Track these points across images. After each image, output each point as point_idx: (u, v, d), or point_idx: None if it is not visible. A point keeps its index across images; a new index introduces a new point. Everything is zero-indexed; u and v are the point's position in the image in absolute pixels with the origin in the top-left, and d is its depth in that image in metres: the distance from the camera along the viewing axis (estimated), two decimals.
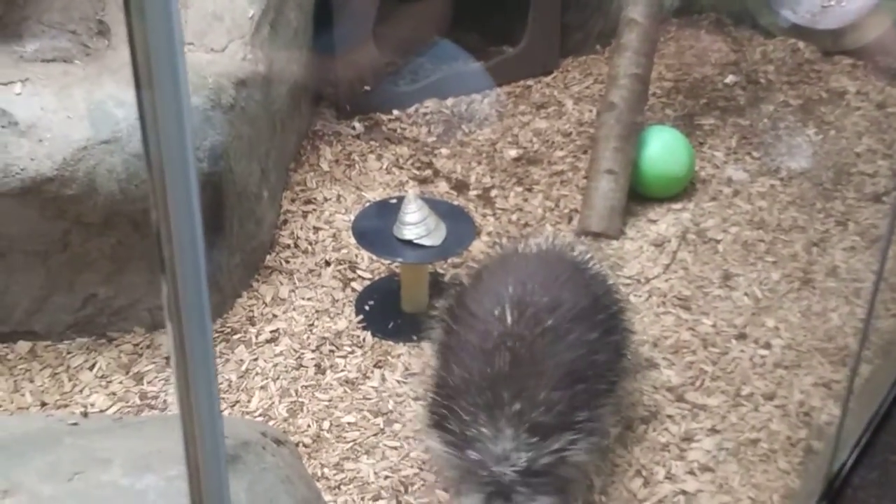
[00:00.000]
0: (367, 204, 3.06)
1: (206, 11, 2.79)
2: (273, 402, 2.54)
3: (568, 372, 2.07)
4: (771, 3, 4.09)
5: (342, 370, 2.64)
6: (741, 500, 2.32)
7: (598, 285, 2.35)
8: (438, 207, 2.79)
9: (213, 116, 2.60)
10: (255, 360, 2.65)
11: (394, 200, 2.85)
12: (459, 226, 2.78)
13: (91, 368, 2.58)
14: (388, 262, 2.92)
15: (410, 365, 2.66)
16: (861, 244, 3.10)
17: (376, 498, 2.30)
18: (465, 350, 2.13)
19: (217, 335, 2.70)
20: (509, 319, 2.11)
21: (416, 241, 2.69)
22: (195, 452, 0.80)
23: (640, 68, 3.21)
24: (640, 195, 3.26)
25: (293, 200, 3.18)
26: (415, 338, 2.72)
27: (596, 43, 4.06)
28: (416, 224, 2.71)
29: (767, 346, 2.73)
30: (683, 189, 3.30)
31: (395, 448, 2.43)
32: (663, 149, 3.27)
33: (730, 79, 3.90)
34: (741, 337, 2.76)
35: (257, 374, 2.61)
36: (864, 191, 3.34)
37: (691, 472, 2.38)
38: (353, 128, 3.53)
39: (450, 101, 3.70)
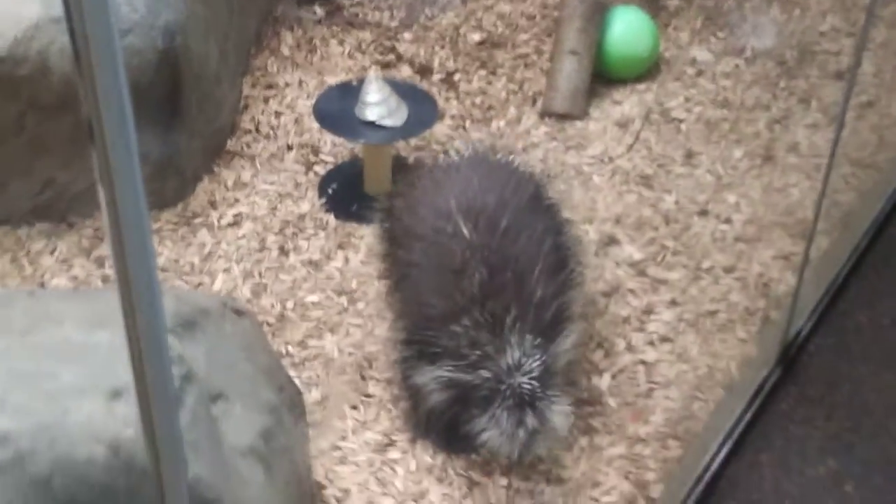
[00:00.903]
0: (329, 87, 3.03)
1: None
2: (236, 285, 2.55)
3: (541, 267, 2.04)
4: None
5: (305, 252, 2.65)
6: (699, 368, 2.37)
7: (528, 180, 2.31)
8: (400, 89, 2.77)
9: None
10: (218, 243, 2.65)
11: (355, 83, 2.83)
12: (422, 107, 2.77)
13: (52, 253, 2.57)
14: (350, 143, 2.90)
15: (374, 246, 2.67)
16: (823, 121, 3.11)
17: (340, 373, 2.33)
18: (432, 275, 2.07)
19: (178, 219, 2.69)
20: (465, 231, 2.04)
21: (377, 122, 2.67)
22: (134, 319, 0.80)
23: None
24: (604, 76, 3.24)
25: (254, 85, 3.14)
26: (379, 216, 2.72)
27: None
28: (378, 104, 2.69)
29: (728, 221, 2.76)
30: (648, 70, 3.28)
31: (359, 326, 2.45)
32: (627, 29, 3.24)
33: None
34: (703, 213, 2.78)
35: (220, 256, 2.61)
36: (827, 69, 3.33)
37: (651, 343, 2.42)
38: (314, 13, 3.47)
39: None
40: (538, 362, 1.92)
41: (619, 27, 3.22)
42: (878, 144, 3.08)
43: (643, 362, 2.38)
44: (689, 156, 2.98)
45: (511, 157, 2.39)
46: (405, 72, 3.28)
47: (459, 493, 2.10)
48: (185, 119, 2.67)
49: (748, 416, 2.31)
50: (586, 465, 2.16)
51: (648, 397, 2.31)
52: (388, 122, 2.68)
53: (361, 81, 2.75)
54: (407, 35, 3.44)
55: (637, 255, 2.64)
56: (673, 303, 2.52)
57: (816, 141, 3.03)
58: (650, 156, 2.98)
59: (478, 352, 1.94)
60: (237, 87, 3.06)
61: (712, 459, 2.20)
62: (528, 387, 1.90)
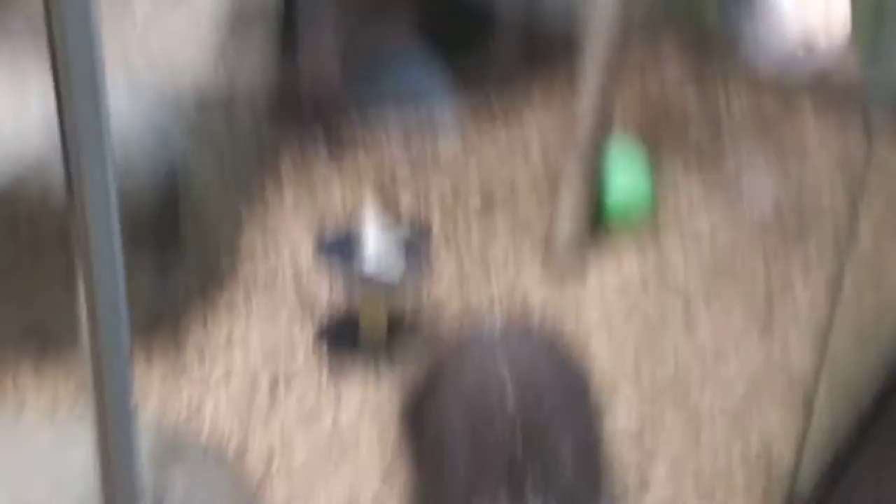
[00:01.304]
0: (329, 235, 3.01)
1: (169, 31, 2.76)
2: (223, 438, 2.47)
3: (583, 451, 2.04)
4: (739, 46, 4.11)
5: (297, 406, 2.59)
6: None
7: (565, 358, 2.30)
8: (399, 241, 2.76)
9: (173, 135, 2.55)
10: (205, 396, 2.59)
11: (355, 234, 2.82)
12: (419, 259, 2.76)
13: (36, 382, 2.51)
14: (348, 293, 2.86)
15: (366, 395, 2.62)
16: (822, 287, 3.09)
17: None
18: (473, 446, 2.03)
19: (166, 371, 2.63)
20: (510, 405, 2.01)
21: (375, 275, 2.66)
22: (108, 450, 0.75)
23: (603, 106, 3.19)
24: (604, 231, 3.24)
25: (254, 234, 3.13)
26: (373, 372, 2.68)
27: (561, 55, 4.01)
28: (376, 256, 2.68)
29: (727, 390, 2.71)
30: (646, 224, 3.29)
31: (351, 482, 2.37)
32: (627, 186, 3.27)
33: (693, 133, 3.91)
34: (702, 382, 2.74)
35: (207, 410, 2.55)
36: (827, 234, 3.34)
37: None
38: (318, 153, 3.49)
39: (415, 124, 3.67)
40: None
41: (618, 184, 3.25)
42: (878, 312, 3.06)
43: None
44: (688, 323, 2.95)
45: (544, 330, 2.37)
46: (405, 230, 3.27)
47: None
48: (183, 254, 2.65)
49: None
50: None
51: None
52: (385, 275, 2.66)
53: (362, 231, 2.74)
54: (408, 190, 3.46)
55: (633, 425, 2.58)
56: (671, 475, 2.44)
57: (815, 308, 3.01)
58: (648, 322, 2.96)
59: None
60: (238, 225, 3.05)
61: None
62: None
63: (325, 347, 2.76)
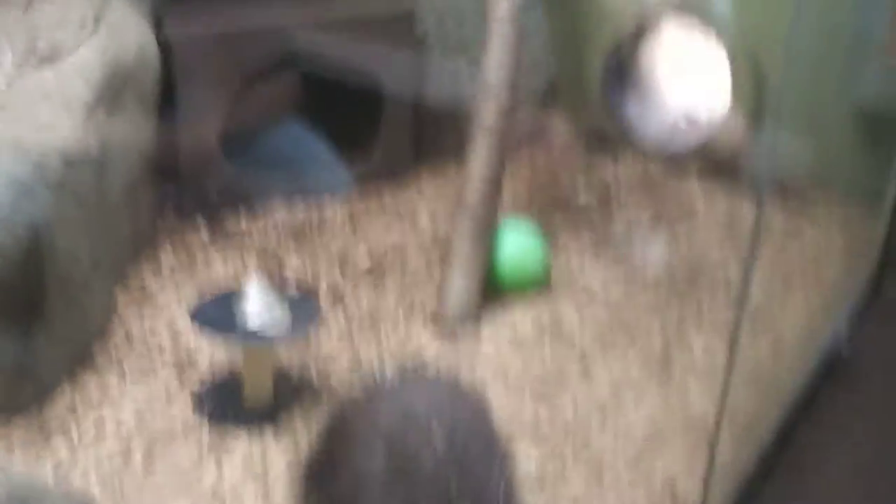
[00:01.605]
0: (208, 295, 2.87)
1: (35, 89, 2.66)
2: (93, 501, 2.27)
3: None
4: (623, 124, 4.16)
5: (174, 464, 2.41)
6: None
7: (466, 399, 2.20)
8: (284, 298, 2.63)
9: (35, 191, 2.42)
10: (75, 455, 2.39)
11: (237, 292, 2.68)
12: (304, 311, 2.63)
13: None
14: (229, 347, 2.71)
15: (250, 458, 2.45)
16: (717, 335, 3.06)
17: None
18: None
19: (32, 429, 2.44)
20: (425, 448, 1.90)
21: (259, 332, 2.52)
22: None
23: (492, 169, 3.16)
24: (496, 291, 3.17)
25: (128, 296, 2.97)
26: (256, 433, 2.52)
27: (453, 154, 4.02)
28: (259, 312, 2.55)
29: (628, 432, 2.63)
30: (539, 286, 3.24)
31: None
32: (518, 247, 3.22)
33: (582, 199, 3.92)
34: (602, 424, 2.65)
35: (77, 469, 2.35)
36: (717, 285, 3.33)
37: None
38: (198, 230, 3.37)
39: (299, 190, 3.58)
40: None
41: (510, 244, 3.20)
42: (774, 350, 3.04)
43: None
44: (585, 370, 2.88)
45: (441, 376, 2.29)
46: (289, 289, 3.16)
47: None
48: (45, 322, 2.47)
49: None
50: None
51: None
52: (268, 329, 2.53)
53: (242, 292, 2.61)
54: (294, 258, 3.35)
55: (534, 471, 2.47)
56: None
57: (710, 352, 2.97)
58: (544, 370, 2.87)
59: None
60: (109, 295, 2.89)
61: None
62: None
63: (205, 410, 2.59)
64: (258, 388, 2.63)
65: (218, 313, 2.58)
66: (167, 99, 3.29)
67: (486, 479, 1.93)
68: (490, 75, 3.08)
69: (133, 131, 3.07)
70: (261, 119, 3.74)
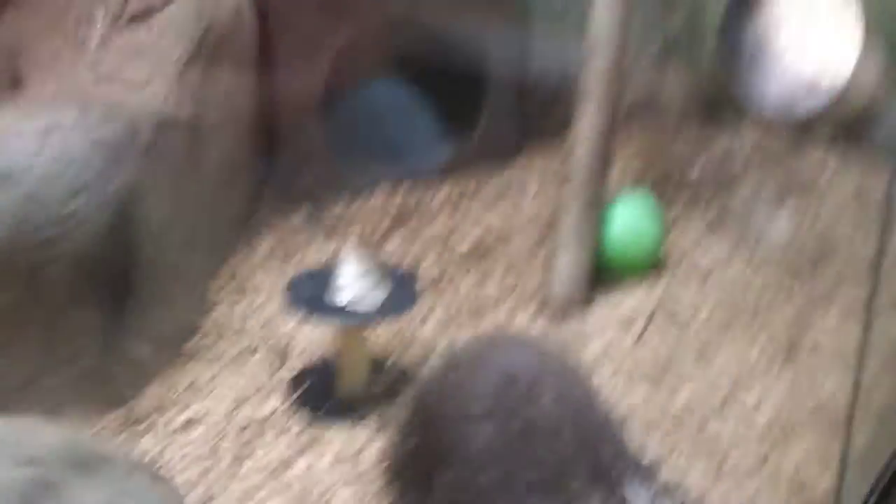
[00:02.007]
0: (302, 271, 2.74)
1: (127, 47, 2.57)
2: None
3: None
4: (740, 89, 3.91)
5: (263, 459, 2.30)
6: None
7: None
8: (380, 275, 2.49)
9: (125, 156, 2.31)
10: (163, 450, 2.31)
11: (331, 269, 2.54)
12: (401, 290, 2.49)
13: None
14: (322, 322, 2.57)
15: (343, 450, 2.33)
16: (848, 317, 2.82)
17: None
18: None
19: (120, 423, 2.36)
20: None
21: (354, 308, 2.39)
22: None
23: (601, 138, 2.95)
24: (606, 272, 2.98)
25: (221, 276, 2.89)
26: (350, 422, 2.40)
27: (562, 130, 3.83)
28: (352, 286, 2.42)
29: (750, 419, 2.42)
30: (652, 266, 3.03)
31: None
32: (632, 224, 3.02)
33: (698, 170, 3.68)
34: (720, 412, 2.45)
35: (163, 464, 2.27)
36: (845, 265, 3.07)
37: None
38: (295, 211, 3.26)
39: (402, 186, 3.44)
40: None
41: (622, 221, 3.00)
42: None
43: None
44: (701, 354, 2.67)
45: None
46: (386, 266, 3.03)
47: None
48: (134, 305, 2.39)
49: None
50: None
51: None
52: (361, 305, 2.40)
53: (337, 268, 2.48)
54: (394, 241, 3.22)
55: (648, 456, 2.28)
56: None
57: (840, 335, 2.73)
58: (656, 355, 2.68)
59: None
60: (202, 285, 2.80)
61: None
62: None
63: (297, 400, 2.49)
64: (353, 375, 2.51)
65: (313, 290, 2.46)
66: (264, 63, 3.16)
67: (601, 442, 1.80)
68: (597, 34, 2.87)
69: (230, 96, 2.92)
70: (360, 88, 3.58)
